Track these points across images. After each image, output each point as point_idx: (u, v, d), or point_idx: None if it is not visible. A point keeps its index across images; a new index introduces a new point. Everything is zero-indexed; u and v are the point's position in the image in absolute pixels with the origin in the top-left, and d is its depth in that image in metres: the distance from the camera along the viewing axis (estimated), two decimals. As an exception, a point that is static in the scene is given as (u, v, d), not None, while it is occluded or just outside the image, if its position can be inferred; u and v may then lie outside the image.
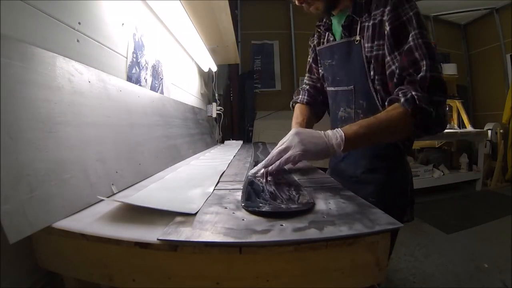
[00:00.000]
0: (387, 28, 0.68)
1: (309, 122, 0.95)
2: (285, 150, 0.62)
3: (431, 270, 1.59)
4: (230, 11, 1.45)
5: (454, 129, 3.68)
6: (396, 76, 0.67)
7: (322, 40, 0.91)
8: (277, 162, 0.63)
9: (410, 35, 0.65)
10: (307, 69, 1.04)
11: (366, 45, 0.74)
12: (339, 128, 0.63)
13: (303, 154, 0.60)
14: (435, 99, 0.62)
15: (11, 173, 0.39)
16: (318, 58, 0.95)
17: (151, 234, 0.38)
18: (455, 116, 3.84)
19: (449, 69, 3.72)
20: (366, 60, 0.74)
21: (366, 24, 0.74)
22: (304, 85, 1.06)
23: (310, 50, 1.00)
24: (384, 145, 0.76)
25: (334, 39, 0.85)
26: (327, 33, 0.88)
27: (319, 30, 0.92)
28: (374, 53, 0.72)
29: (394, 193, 0.77)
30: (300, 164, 0.81)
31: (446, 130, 3.40)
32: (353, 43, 0.77)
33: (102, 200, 0.53)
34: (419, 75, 0.62)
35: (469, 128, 3.59)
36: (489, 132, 3.40)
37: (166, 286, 0.38)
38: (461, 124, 3.77)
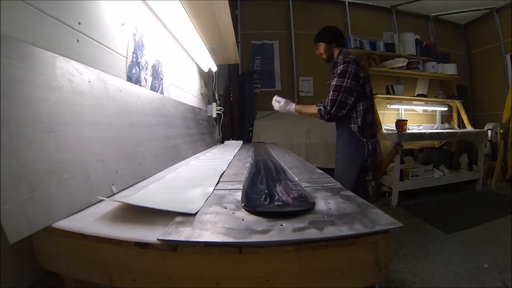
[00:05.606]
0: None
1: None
2: (284, 102, 1.65)
3: (431, 270, 1.59)
4: (230, 11, 1.45)
5: (454, 129, 3.68)
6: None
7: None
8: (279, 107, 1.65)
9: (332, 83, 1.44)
10: None
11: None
12: (295, 104, 1.62)
13: (282, 107, 1.64)
14: (326, 108, 1.43)
15: (11, 173, 0.39)
16: None
17: (151, 234, 0.39)
18: (455, 116, 3.84)
19: (449, 69, 3.70)
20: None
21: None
22: None
23: None
24: (343, 129, 1.50)
25: None
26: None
27: None
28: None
29: (343, 167, 1.50)
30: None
31: (446, 130, 3.43)
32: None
33: (102, 200, 0.53)
34: (326, 100, 1.44)
35: (469, 128, 3.58)
36: (489, 132, 3.39)
37: (166, 286, 0.38)
38: (461, 124, 3.76)
